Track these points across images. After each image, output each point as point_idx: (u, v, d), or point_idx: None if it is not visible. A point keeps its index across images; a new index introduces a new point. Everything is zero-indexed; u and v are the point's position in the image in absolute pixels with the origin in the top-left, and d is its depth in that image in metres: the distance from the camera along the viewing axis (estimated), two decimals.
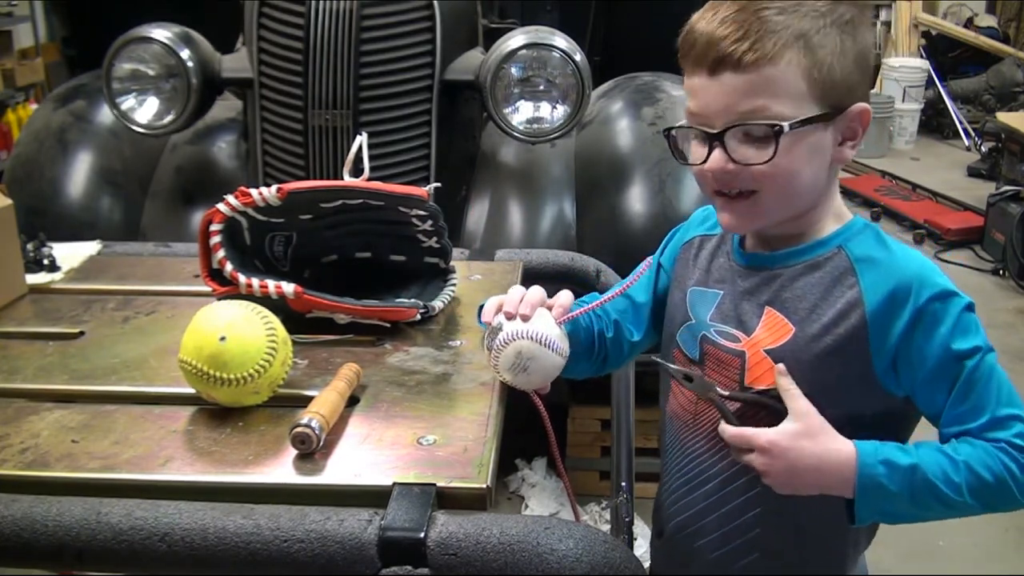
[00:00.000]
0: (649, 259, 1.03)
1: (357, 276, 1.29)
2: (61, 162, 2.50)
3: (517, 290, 1.04)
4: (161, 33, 2.34)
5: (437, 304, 1.25)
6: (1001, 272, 4.52)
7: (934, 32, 7.43)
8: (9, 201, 1.30)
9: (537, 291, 1.04)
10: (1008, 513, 0.99)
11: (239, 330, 0.98)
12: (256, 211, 1.18)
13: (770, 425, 0.98)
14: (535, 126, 2.35)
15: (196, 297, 1.29)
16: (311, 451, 0.91)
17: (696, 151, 0.99)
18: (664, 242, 1.21)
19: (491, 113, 2.34)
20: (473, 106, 2.53)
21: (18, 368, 1.12)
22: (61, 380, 1.09)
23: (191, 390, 1.01)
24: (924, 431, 1.04)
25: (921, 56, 7.10)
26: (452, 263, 1.32)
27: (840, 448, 0.96)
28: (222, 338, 0.97)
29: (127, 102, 2.38)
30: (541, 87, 2.34)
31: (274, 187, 1.16)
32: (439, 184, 1.30)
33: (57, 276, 1.41)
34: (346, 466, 0.91)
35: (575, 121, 2.35)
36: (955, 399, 0.96)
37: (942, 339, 0.95)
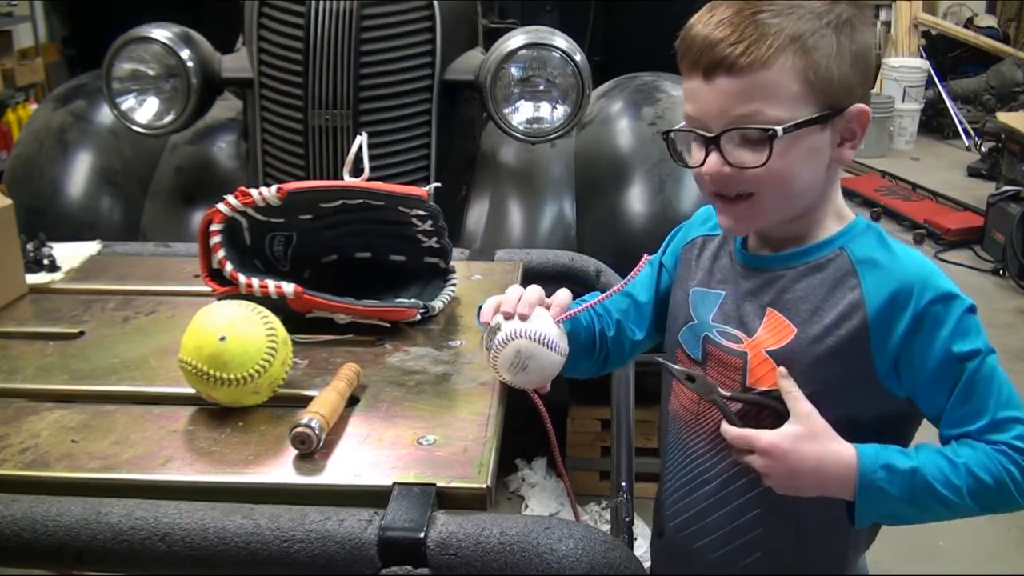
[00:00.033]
0: (647, 256, 1.03)
1: (357, 276, 1.29)
2: (61, 162, 2.50)
3: (515, 290, 1.04)
4: (161, 33, 2.34)
5: (437, 304, 1.25)
6: (1001, 272, 4.52)
7: (934, 32, 7.43)
8: (9, 201, 1.30)
9: (535, 290, 1.04)
10: (1009, 513, 1.00)
11: (239, 330, 0.98)
12: (256, 211, 1.18)
13: (772, 426, 0.99)
14: (535, 126, 2.35)
15: (196, 297, 1.29)
16: (311, 451, 0.91)
17: (694, 154, 0.99)
18: (666, 241, 1.21)
19: (491, 113, 2.34)
20: (473, 106, 2.53)
21: (18, 368, 1.12)
22: (61, 380, 1.09)
23: (191, 390, 1.01)
24: (925, 432, 1.05)
25: (921, 56, 7.10)
26: (452, 263, 1.32)
27: (841, 451, 0.96)
28: (222, 338, 0.97)
29: (127, 102, 2.38)
30: (541, 87, 2.34)
31: (274, 187, 1.16)
32: (439, 184, 1.30)
33: (57, 276, 1.41)
34: (346, 466, 0.91)
35: (575, 121, 2.35)
36: (956, 401, 0.96)
37: (943, 342, 0.95)
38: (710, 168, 0.96)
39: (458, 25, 2.46)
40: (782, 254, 1.03)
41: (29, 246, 1.43)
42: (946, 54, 7.37)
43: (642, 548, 2.26)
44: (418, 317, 1.22)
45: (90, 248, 1.52)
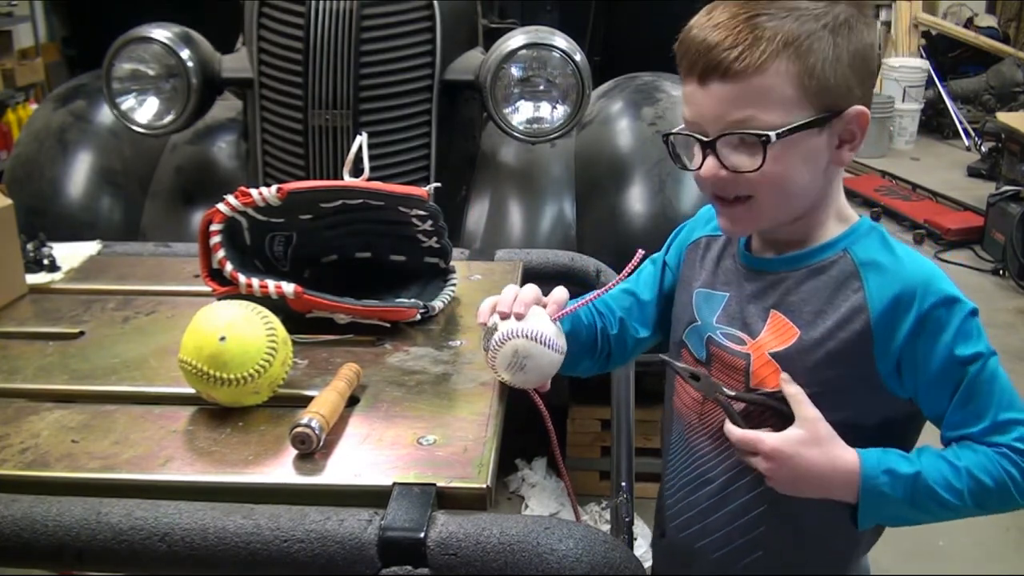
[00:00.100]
0: (641, 252, 1.03)
1: (357, 276, 1.29)
2: (61, 162, 2.50)
3: (511, 289, 1.04)
4: (161, 33, 2.34)
5: (437, 304, 1.25)
6: (1001, 272, 4.53)
7: (934, 32, 7.43)
8: (9, 201, 1.30)
9: (531, 289, 1.04)
10: (1009, 512, 1.00)
11: (239, 330, 0.98)
12: (256, 211, 1.18)
13: (776, 426, 0.99)
14: (535, 126, 2.35)
15: (196, 297, 1.29)
16: (311, 451, 0.91)
17: (693, 156, 0.99)
18: (669, 240, 1.21)
19: (491, 113, 2.34)
20: (473, 106, 2.53)
21: (18, 368, 1.12)
22: (61, 380, 1.09)
23: (191, 390, 1.01)
24: (926, 435, 1.05)
25: (921, 56, 7.10)
26: (452, 263, 1.32)
27: (844, 456, 0.97)
28: (222, 338, 0.97)
29: (127, 102, 2.38)
30: (541, 87, 2.34)
31: (274, 187, 1.16)
32: (439, 184, 1.30)
33: (57, 276, 1.41)
34: (346, 466, 0.91)
35: (575, 121, 2.35)
36: (957, 404, 0.97)
37: (945, 345, 0.95)
38: (707, 172, 0.97)
39: (458, 25, 2.46)
40: (785, 256, 1.03)
41: (29, 246, 1.43)
42: (946, 54, 7.37)
43: (642, 548, 2.26)
44: (418, 317, 1.22)
45: (90, 248, 1.52)
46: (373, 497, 0.85)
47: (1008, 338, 3.78)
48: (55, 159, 2.51)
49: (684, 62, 0.97)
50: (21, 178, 2.53)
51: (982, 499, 0.96)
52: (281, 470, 0.91)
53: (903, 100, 6.74)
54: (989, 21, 7.81)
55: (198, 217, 1.79)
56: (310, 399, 0.97)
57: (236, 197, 1.16)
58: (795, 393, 0.98)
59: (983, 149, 6.14)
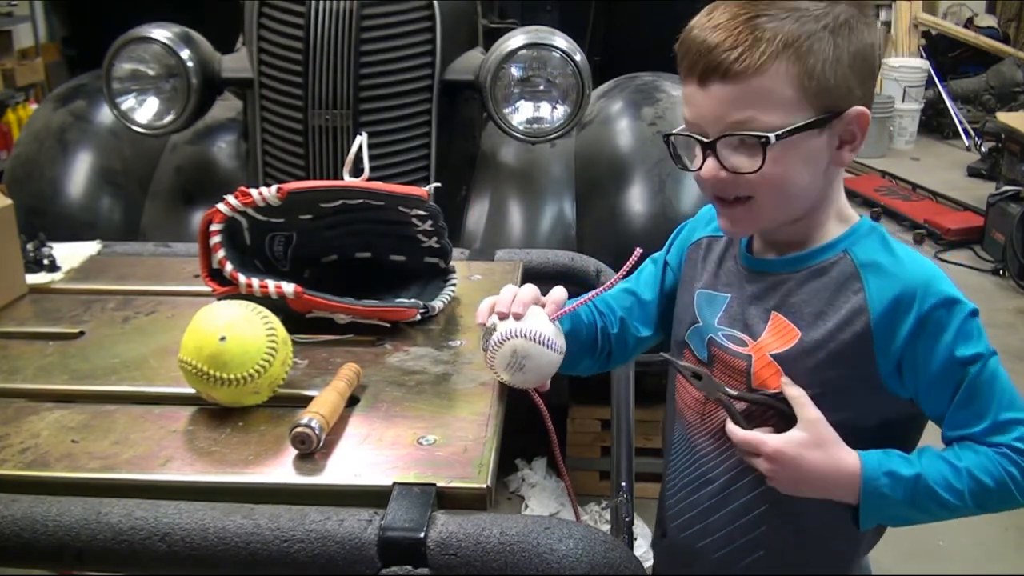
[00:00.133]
0: (639, 250, 1.03)
1: (357, 276, 1.29)
2: (61, 162, 2.50)
3: (509, 289, 1.04)
4: (161, 33, 2.34)
5: (437, 304, 1.25)
6: (1001, 272, 4.53)
7: (934, 32, 7.43)
8: (9, 201, 1.30)
9: (529, 289, 1.04)
10: (1008, 512, 1.01)
11: (239, 330, 0.98)
12: (256, 211, 1.18)
13: (777, 426, 0.99)
14: (535, 126, 2.35)
15: (196, 297, 1.29)
16: (311, 451, 0.91)
17: (694, 157, 0.99)
18: (670, 240, 1.21)
19: (491, 113, 2.34)
20: (473, 106, 2.53)
21: (18, 368, 1.12)
22: (61, 380, 1.09)
23: (191, 390, 1.01)
24: (928, 435, 1.05)
25: (921, 56, 7.10)
26: (452, 263, 1.32)
27: (845, 459, 0.97)
28: (222, 338, 0.97)
29: (127, 102, 2.38)
30: (541, 87, 2.34)
31: (274, 187, 1.16)
32: (439, 184, 1.30)
33: (57, 276, 1.41)
34: (346, 466, 0.91)
35: (575, 121, 2.35)
36: (957, 404, 0.97)
37: (946, 346, 0.95)
38: (707, 173, 0.97)
39: (458, 25, 2.46)
40: (786, 258, 1.03)
41: (29, 246, 1.43)
42: (946, 54, 7.37)
43: (642, 548, 2.26)
44: (418, 317, 1.22)
45: (90, 248, 1.52)
46: (373, 497, 0.85)
47: (1008, 338, 3.78)
48: (55, 159, 2.51)
49: (684, 63, 0.97)
50: (21, 178, 2.53)
51: (982, 499, 0.97)
52: (281, 470, 0.91)
53: (903, 100, 6.74)
54: (989, 21, 7.81)
55: (198, 217, 1.79)
56: (310, 399, 0.97)
57: (236, 197, 1.16)
58: (797, 395, 0.98)
59: (983, 149, 6.15)
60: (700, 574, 1.13)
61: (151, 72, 2.37)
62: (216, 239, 1.16)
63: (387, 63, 2.25)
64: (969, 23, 7.64)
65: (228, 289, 1.16)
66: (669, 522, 1.17)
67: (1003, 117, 5.51)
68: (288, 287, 1.14)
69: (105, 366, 1.12)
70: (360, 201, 1.22)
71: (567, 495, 2.10)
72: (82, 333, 1.22)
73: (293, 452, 0.92)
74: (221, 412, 1.00)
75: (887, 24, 7.23)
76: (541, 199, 2.50)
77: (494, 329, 1.01)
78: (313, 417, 0.91)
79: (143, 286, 1.38)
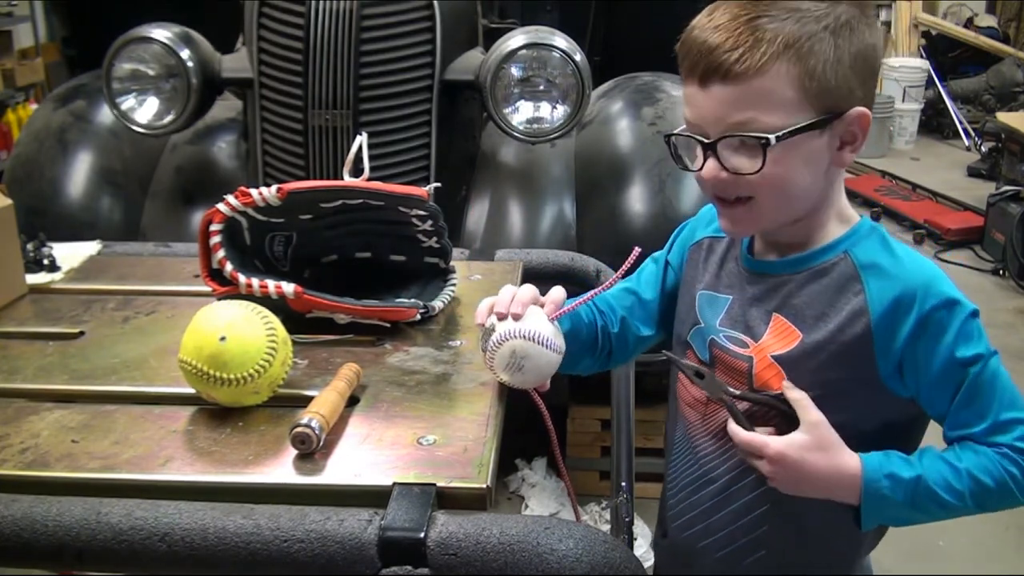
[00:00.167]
0: (637, 249, 1.03)
1: (357, 276, 1.29)
2: (61, 162, 2.50)
3: (508, 290, 1.04)
4: (161, 33, 2.34)
5: (437, 304, 1.25)
6: (1001, 272, 4.53)
7: (934, 32, 7.43)
8: (9, 201, 1.30)
9: (528, 289, 1.04)
10: (1009, 511, 1.01)
11: (239, 330, 0.98)
12: (256, 211, 1.18)
13: (779, 426, 0.99)
14: (535, 126, 2.35)
15: (196, 297, 1.29)
16: (311, 451, 0.91)
17: (695, 157, 0.99)
18: (671, 239, 1.21)
19: (491, 113, 2.34)
20: (473, 106, 2.53)
21: (18, 368, 1.12)
22: (61, 380, 1.09)
23: (191, 390, 1.01)
24: (930, 435, 1.05)
25: (921, 56, 7.10)
26: (452, 263, 1.32)
27: (847, 461, 0.97)
28: (222, 338, 0.97)
29: (127, 102, 2.38)
30: (541, 87, 2.34)
31: (274, 187, 1.16)
32: (439, 184, 1.30)
33: (57, 276, 1.41)
34: (346, 466, 0.91)
35: (575, 121, 2.35)
36: (958, 404, 0.97)
37: (946, 347, 0.96)
38: (708, 173, 0.97)
39: (458, 25, 2.46)
40: (787, 259, 1.03)
41: (29, 246, 1.43)
42: (946, 54, 7.37)
43: (642, 548, 2.27)
44: (418, 317, 1.22)
45: (90, 248, 1.52)
46: (373, 497, 0.85)
47: (1008, 338, 3.78)
48: (55, 159, 2.51)
49: (685, 63, 0.97)
50: (21, 178, 2.53)
51: (982, 499, 0.97)
52: (281, 470, 0.91)
53: (903, 100, 6.74)
54: (989, 21, 7.81)
55: (198, 217, 1.79)
56: (310, 399, 0.97)
57: (236, 197, 1.16)
58: (799, 398, 0.98)
59: (983, 149, 6.15)
60: (701, 574, 1.13)
61: (151, 72, 2.37)
62: (216, 239, 1.16)
63: (387, 63, 2.25)
64: (969, 23, 7.64)
65: (228, 289, 1.16)
66: (670, 522, 1.17)
67: (1003, 117, 5.51)
68: (288, 287, 1.14)
69: (105, 366, 1.12)
70: (360, 201, 1.22)
71: (567, 495, 2.10)
72: (82, 333, 1.22)
73: (293, 452, 0.92)
74: (221, 412, 1.00)
75: (887, 24, 7.23)
76: (541, 199, 2.50)
77: (493, 329, 1.01)
78: (313, 417, 0.91)
79: (143, 286, 1.38)
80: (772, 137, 0.91)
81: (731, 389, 1.02)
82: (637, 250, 1.02)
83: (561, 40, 2.29)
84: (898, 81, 6.74)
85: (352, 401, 1.02)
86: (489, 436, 0.95)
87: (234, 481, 0.90)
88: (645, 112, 2.54)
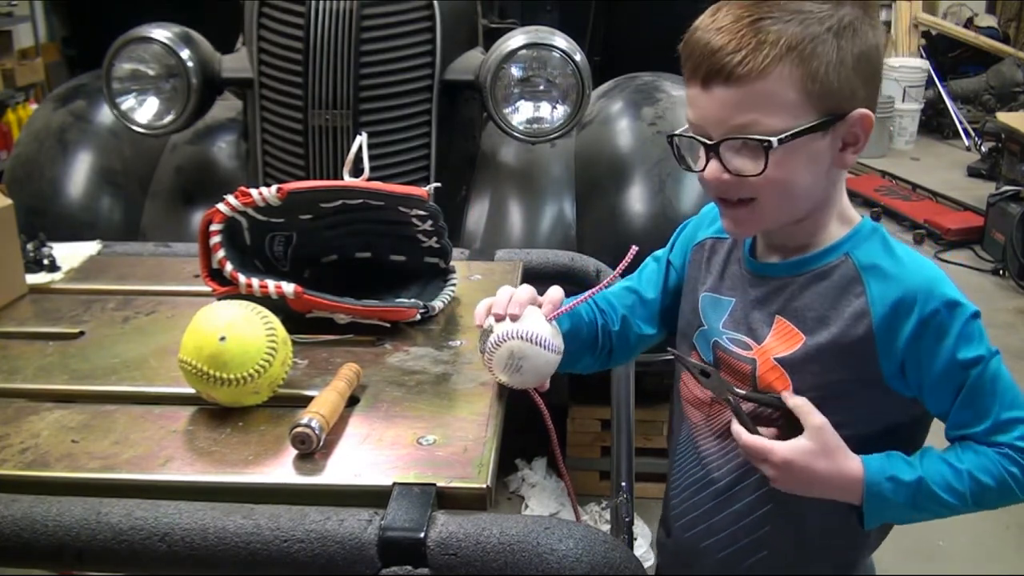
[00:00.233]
0: (634, 248, 1.03)
1: (357, 276, 1.29)
2: (61, 162, 2.50)
3: (505, 291, 1.04)
4: (161, 33, 2.33)
5: (437, 304, 1.25)
6: (1001, 272, 4.53)
7: (934, 32, 7.43)
8: (9, 201, 1.30)
9: (525, 290, 1.04)
10: (1008, 510, 1.01)
11: (239, 330, 0.98)
12: (256, 211, 1.18)
13: (783, 426, 1.00)
14: (535, 126, 2.35)
15: (196, 297, 1.29)
16: (311, 451, 0.91)
17: (698, 158, 0.99)
18: (673, 238, 1.21)
19: (491, 113, 2.34)
20: (473, 106, 2.53)
21: (18, 368, 1.12)
22: (61, 380, 1.09)
23: (191, 390, 1.01)
24: (932, 435, 1.06)
25: (921, 56, 7.10)
26: (452, 263, 1.32)
27: (850, 465, 0.98)
28: (222, 338, 0.97)
29: (127, 102, 2.38)
30: (541, 87, 2.34)
31: (274, 187, 1.16)
32: (439, 184, 1.30)
33: (57, 276, 1.41)
34: (346, 466, 0.91)
35: (575, 121, 2.35)
36: (959, 405, 0.98)
37: (948, 348, 0.96)
38: (710, 175, 0.97)
39: (458, 25, 2.46)
40: (789, 262, 1.04)
41: (29, 246, 1.43)
42: (946, 54, 7.37)
43: (642, 548, 2.27)
44: (418, 317, 1.22)
45: (90, 248, 1.52)
46: (373, 497, 0.85)
47: (1008, 338, 3.78)
48: (55, 159, 2.51)
49: (688, 64, 0.96)
50: (21, 178, 2.53)
51: (982, 498, 0.98)
52: (281, 470, 0.91)
53: (903, 100, 6.74)
54: (989, 21, 7.81)
55: (198, 217, 1.79)
56: (310, 399, 0.97)
57: (236, 197, 1.16)
58: (800, 404, 0.98)
59: (983, 149, 6.15)
60: (704, 574, 1.14)
61: (151, 72, 2.37)
62: (216, 239, 1.16)
63: (387, 63, 2.25)
64: (969, 23, 7.64)
65: (228, 289, 1.16)
66: (673, 522, 1.17)
67: (1003, 117, 5.51)
68: (288, 287, 1.14)
69: (105, 366, 1.12)
70: (360, 201, 1.22)
71: (567, 495, 2.10)
72: (82, 333, 1.22)
73: (293, 452, 0.92)
74: (221, 412, 1.00)
75: (887, 24, 7.22)
76: (541, 199, 2.50)
77: (491, 331, 1.01)
78: (313, 417, 0.91)
79: (143, 286, 1.38)
80: (774, 140, 0.91)
81: (736, 389, 1.03)
82: (634, 249, 1.02)
83: (561, 40, 2.29)
84: (898, 81, 6.74)
85: (352, 401, 1.02)
86: (489, 436, 0.95)
87: (234, 481, 0.90)
88: (645, 112, 2.54)
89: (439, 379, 1.08)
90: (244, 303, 1.02)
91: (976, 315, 0.97)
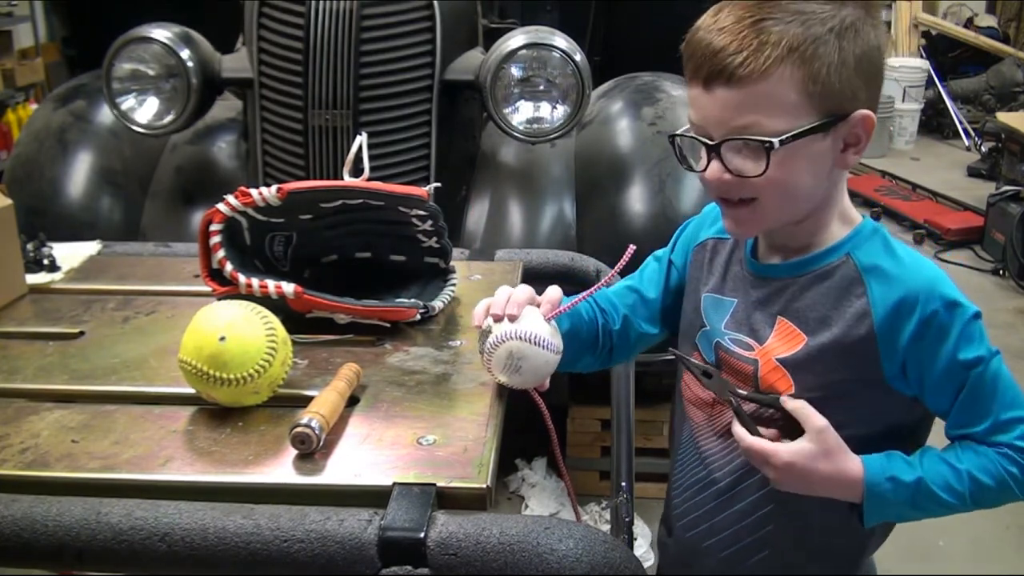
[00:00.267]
0: (632, 247, 1.03)
1: (357, 276, 1.29)
2: (61, 162, 2.50)
3: (503, 291, 1.04)
4: (161, 33, 2.33)
5: (437, 304, 1.25)
6: (1001, 272, 4.53)
7: (934, 32, 7.43)
8: (9, 201, 1.30)
9: (524, 290, 1.04)
10: (1008, 510, 1.01)
11: (239, 330, 0.98)
12: (256, 211, 1.18)
13: (784, 427, 1.00)
14: (535, 126, 2.35)
15: (196, 297, 1.29)
16: (311, 451, 0.91)
17: (700, 158, 0.99)
18: (674, 238, 1.21)
19: (491, 113, 2.34)
20: (473, 106, 2.53)
21: (18, 368, 1.12)
22: (61, 380, 1.09)
23: (191, 390, 1.01)
24: (934, 435, 1.06)
25: (921, 56, 7.10)
26: (452, 263, 1.32)
27: (850, 466, 0.98)
28: (222, 338, 0.97)
29: (127, 102, 2.38)
30: (541, 87, 2.34)
31: (274, 187, 1.16)
32: (439, 184, 1.30)
33: (57, 276, 1.41)
34: (346, 466, 0.91)
35: (575, 121, 2.35)
36: (960, 405, 0.98)
37: (948, 350, 0.96)
38: (711, 175, 0.97)
39: (458, 25, 2.46)
40: (790, 263, 1.04)
41: (29, 246, 1.43)
42: (946, 54, 7.37)
43: (642, 548, 2.27)
44: (418, 317, 1.22)
45: (90, 248, 1.52)
46: (373, 497, 0.85)
47: (1008, 338, 3.78)
48: (55, 159, 2.51)
49: (690, 65, 0.96)
50: (21, 178, 2.53)
51: (981, 498, 0.98)
52: (281, 470, 0.91)
53: (903, 100, 6.74)
54: (989, 21, 7.81)
55: (198, 217, 1.79)
56: (310, 399, 0.97)
57: (236, 197, 1.16)
58: (800, 407, 0.98)
59: (983, 149, 6.15)
60: (705, 574, 1.14)
61: (151, 72, 2.37)
62: (216, 239, 1.16)
63: (387, 63, 2.25)
64: (969, 23, 7.64)
65: (228, 289, 1.16)
66: (675, 521, 1.17)
67: (1003, 117, 5.51)
68: (288, 287, 1.14)
69: (105, 366, 1.12)
70: (360, 201, 1.22)
71: (567, 495, 2.10)
72: (82, 333, 1.22)
73: (293, 452, 0.92)
74: (221, 412, 1.00)
75: (887, 24, 7.22)
76: (541, 199, 2.50)
77: (489, 331, 1.01)
78: (313, 417, 0.91)
79: (143, 286, 1.38)
80: (775, 141, 0.91)
81: (738, 390, 1.03)
82: (632, 247, 1.02)
83: (561, 40, 2.29)
84: (898, 81, 6.73)
85: (352, 401, 1.02)
86: (489, 436, 0.95)
87: (234, 481, 0.90)
88: (645, 112, 2.54)
89: (439, 379, 1.08)
90: (244, 303, 1.02)
91: (977, 316, 0.97)
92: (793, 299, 1.02)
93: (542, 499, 2.67)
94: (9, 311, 1.29)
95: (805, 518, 1.05)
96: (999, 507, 1.01)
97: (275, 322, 1.02)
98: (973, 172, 6.02)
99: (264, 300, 1.10)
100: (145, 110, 2.39)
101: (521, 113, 2.35)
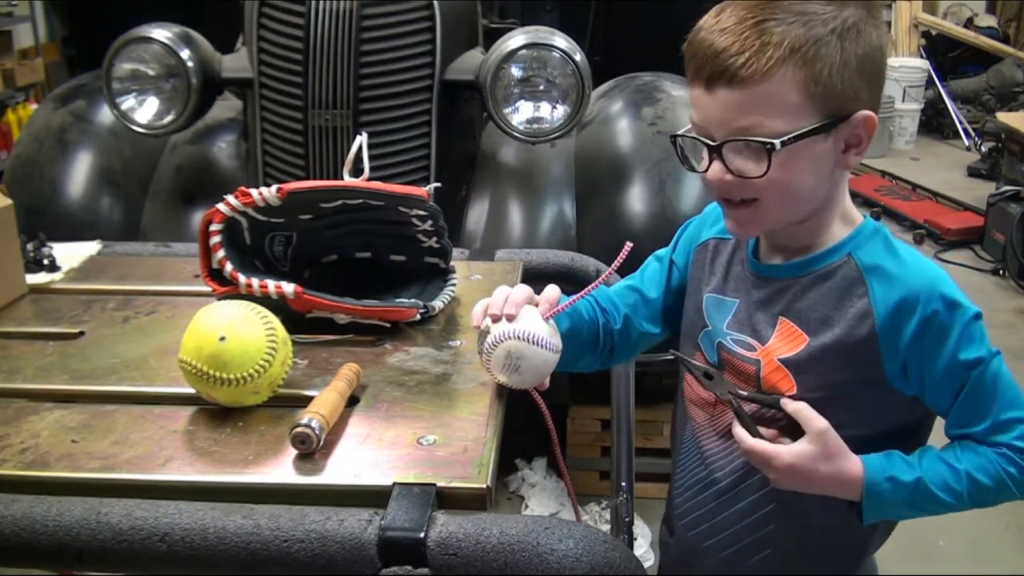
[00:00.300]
0: (629, 244, 1.03)
1: (357, 276, 1.29)
2: (61, 162, 2.50)
3: (502, 291, 1.04)
4: (161, 33, 2.34)
5: (437, 304, 1.25)
6: (1001, 272, 4.53)
7: (934, 32, 7.43)
8: (9, 201, 1.30)
9: (522, 290, 1.04)
10: (1008, 510, 1.02)
11: (239, 330, 0.98)
12: (256, 211, 1.18)
13: (785, 428, 1.00)
14: (535, 126, 2.35)
15: (196, 297, 1.29)
16: (311, 451, 0.91)
17: (702, 159, 0.99)
18: (675, 238, 1.21)
19: (491, 113, 2.34)
20: (473, 106, 2.53)
21: (18, 368, 1.12)
22: (61, 380, 1.09)
23: (191, 390, 1.01)
24: (934, 434, 1.06)
25: (921, 56, 7.10)
26: (452, 263, 1.32)
27: (850, 467, 0.98)
28: (222, 338, 0.97)
29: (127, 102, 2.38)
30: (541, 87, 2.34)
31: (274, 187, 1.16)
32: (439, 184, 1.30)
33: (57, 276, 1.41)
34: (346, 466, 0.91)
35: (575, 121, 2.35)
36: (960, 406, 0.98)
37: (949, 350, 0.96)
38: (713, 175, 0.97)
39: (458, 25, 2.46)
40: (792, 263, 1.04)
41: (29, 246, 1.43)
42: (946, 54, 7.37)
43: (642, 548, 2.27)
44: (418, 317, 1.22)
45: (90, 248, 1.52)
46: (373, 497, 0.85)
47: (1008, 338, 3.78)
48: (55, 159, 2.51)
49: (691, 65, 0.96)
50: (21, 178, 2.53)
51: (980, 498, 0.99)
52: (281, 470, 0.91)
53: (903, 100, 6.74)
54: (989, 21, 7.81)
55: (198, 217, 1.79)
56: (310, 399, 0.97)
57: (236, 197, 1.16)
58: (800, 408, 0.99)
59: (983, 149, 6.15)
60: (707, 573, 1.14)
61: (151, 72, 2.37)
62: (216, 239, 1.16)
63: (387, 63, 2.25)
64: (969, 23, 7.64)
65: (228, 289, 1.16)
66: (676, 521, 1.17)
67: (1003, 117, 5.51)
68: (288, 287, 1.14)
69: (105, 366, 1.12)
70: (360, 201, 1.22)
71: (567, 495, 2.10)
72: (82, 333, 1.22)
73: (293, 452, 0.92)
74: (221, 412, 1.00)
75: (887, 24, 7.22)
76: (541, 199, 2.50)
77: (488, 331, 1.01)
78: (313, 417, 0.91)
79: (143, 286, 1.38)
80: (777, 142, 0.91)
81: (739, 391, 1.03)
82: (629, 245, 1.02)
83: (561, 40, 2.29)
84: (898, 81, 6.73)
85: (352, 401, 1.02)
86: (489, 436, 0.95)
87: (234, 481, 0.90)
88: (645, 112, 2.54)
89: (439, 379, 1.08)
90: (244, 303, 1.02)
91: (978, 316, 0.97)
92: (795, 299, 1.02)
93: (542, 499, 2.67)
94: (9, 311, 1.29)
95: (806, 517, 1.06)
96: (998, 506, 1.02)
97: (275, 322, 1.02)
98: (973, 172, 6.02)
99: (264, 300, 1.10)
100: (145, 110, 2.39)
101: (521, 113, 2.35)
